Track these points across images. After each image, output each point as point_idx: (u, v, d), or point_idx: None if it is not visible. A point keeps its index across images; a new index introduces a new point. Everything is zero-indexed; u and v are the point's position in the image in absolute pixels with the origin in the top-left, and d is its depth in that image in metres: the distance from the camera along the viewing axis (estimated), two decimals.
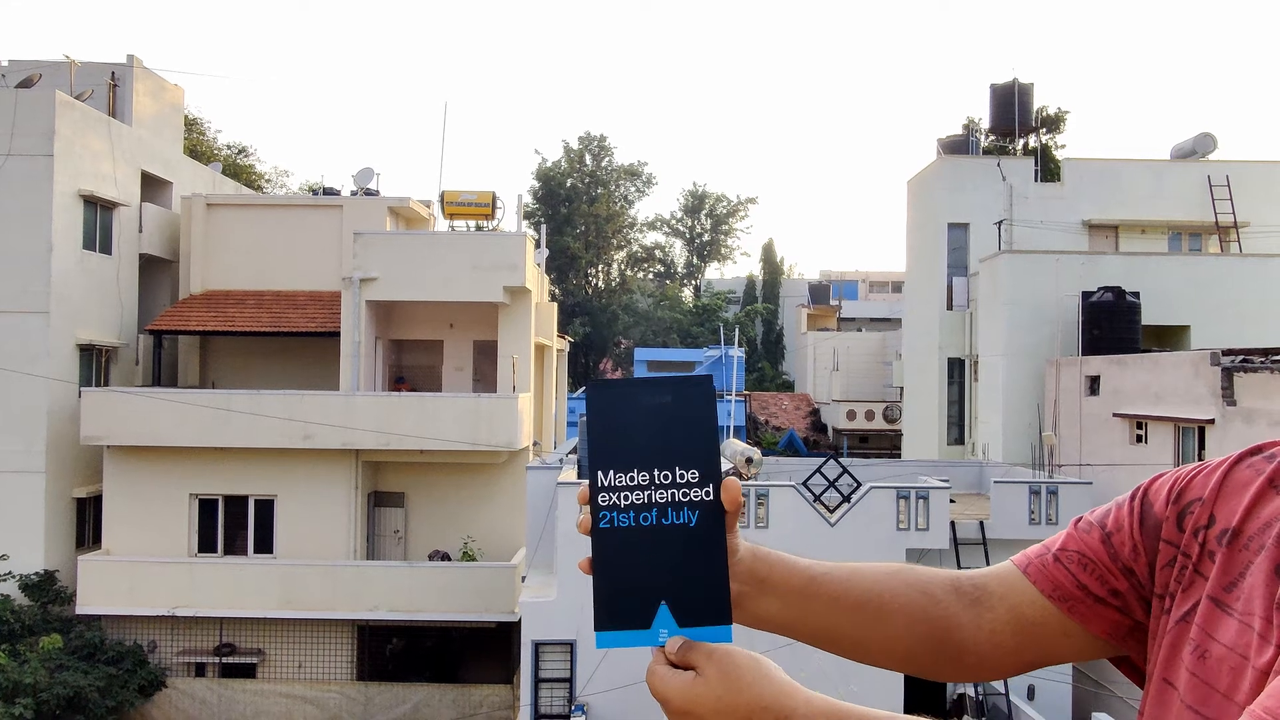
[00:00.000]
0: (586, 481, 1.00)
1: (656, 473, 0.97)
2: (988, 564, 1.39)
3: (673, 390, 0.99)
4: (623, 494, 0.97)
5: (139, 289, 24.27)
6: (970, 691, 16.32)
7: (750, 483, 16.44)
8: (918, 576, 1.17)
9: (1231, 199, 26.42)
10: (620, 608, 0.95)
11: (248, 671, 21.25)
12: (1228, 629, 0.94)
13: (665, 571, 0.96)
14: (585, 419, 1.01)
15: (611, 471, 0.97)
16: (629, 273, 64.29)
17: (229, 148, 44.95)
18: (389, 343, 23.72)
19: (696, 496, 0.97)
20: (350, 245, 22.26)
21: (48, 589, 20.72)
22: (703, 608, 0.96)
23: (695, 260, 66.45)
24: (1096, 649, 1.13)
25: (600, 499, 0.97)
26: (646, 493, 0.97)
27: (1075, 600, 1.11)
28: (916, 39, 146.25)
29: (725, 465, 1.07)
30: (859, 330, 54.00)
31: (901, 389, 34.54)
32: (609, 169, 60.80)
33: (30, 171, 20.93)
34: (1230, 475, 1.06)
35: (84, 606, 20.55)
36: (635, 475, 0.97)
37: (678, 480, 0.97)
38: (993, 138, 33.49)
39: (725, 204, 65.38)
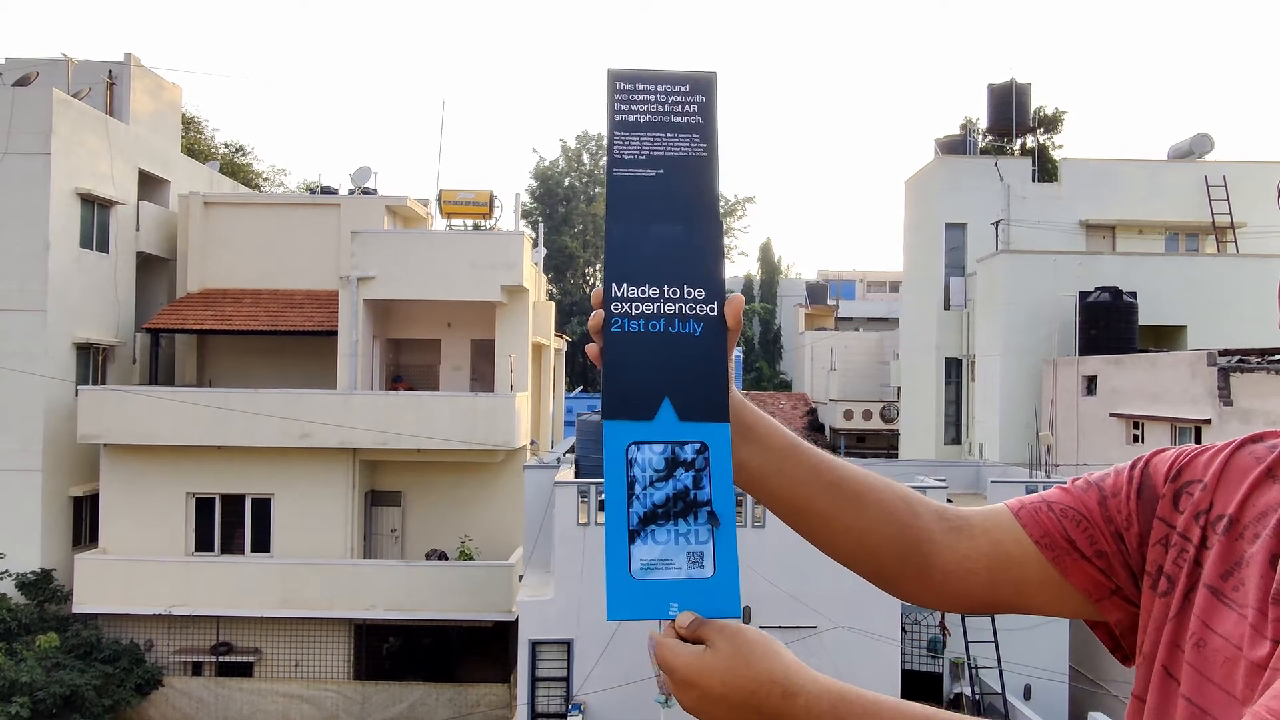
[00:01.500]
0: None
1: (666, 288, 1.04)
2: None
3: (684, 219, 1.07)
4: (634, 304, 1.03)
5: (136, 287, 24.25)
6: (967, 691, 16.34)
7: None
8: (904, 488, 1.17)
9: (1228, 199, 26.46)
10: (626, 400, 1.01)
11: (245, 670, 21.23)
12: (1224, 619, 0.94)
13: (669, 371, 1.02)
14: (606, 221, 1.08)
15: (625, 284, 1.04)
16: None
17: (226, 146, 44.92)
18: (386, 342, 23.72)
19: (702, 311, 1.04)
20: (348, 244, 22.26)
21: (44, 587, 20.71)
22: (702, 405, 1.02)
23: None
24: (1072, 604, 1.12)
25: (613, 307, 1.03)
26: (656, 305, 1.04)
27: (1061, 550, 1.10)
28: (914, 39, 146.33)
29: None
30: (856, 330, 54.04)
31: (899, 389, 34.57)
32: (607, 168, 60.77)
33: (27, 170, 20.91)
34: (1232, 461, 1.05)
35: (81, 605, 20.53)
36: (646, 289, 1.04)
37: (685, 297, 1.04)
38: (990, 138, 33.51)
39: (723, 203, 64.98)
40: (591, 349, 1.04)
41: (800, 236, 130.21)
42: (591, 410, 29.54)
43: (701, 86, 1.11)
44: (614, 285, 1.04)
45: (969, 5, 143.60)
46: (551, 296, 39.40)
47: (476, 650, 21.63)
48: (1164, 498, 1.07)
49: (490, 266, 21.85)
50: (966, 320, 27.19)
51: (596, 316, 1.03)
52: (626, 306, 1.03)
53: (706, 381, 1.03)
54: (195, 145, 39.56)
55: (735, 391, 1.08)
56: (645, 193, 1.08)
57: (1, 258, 20.87)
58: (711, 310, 1.04)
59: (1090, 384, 21.14)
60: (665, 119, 1.10)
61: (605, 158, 1.13)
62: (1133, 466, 1.12)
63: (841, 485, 1.13)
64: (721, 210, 1.14)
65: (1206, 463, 1.07)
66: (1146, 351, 21.50)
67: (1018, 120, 30.44)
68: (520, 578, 18.20)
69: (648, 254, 1.05)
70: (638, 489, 0.99)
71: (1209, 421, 17.03)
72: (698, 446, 1.01)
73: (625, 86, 1.11)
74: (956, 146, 30.40)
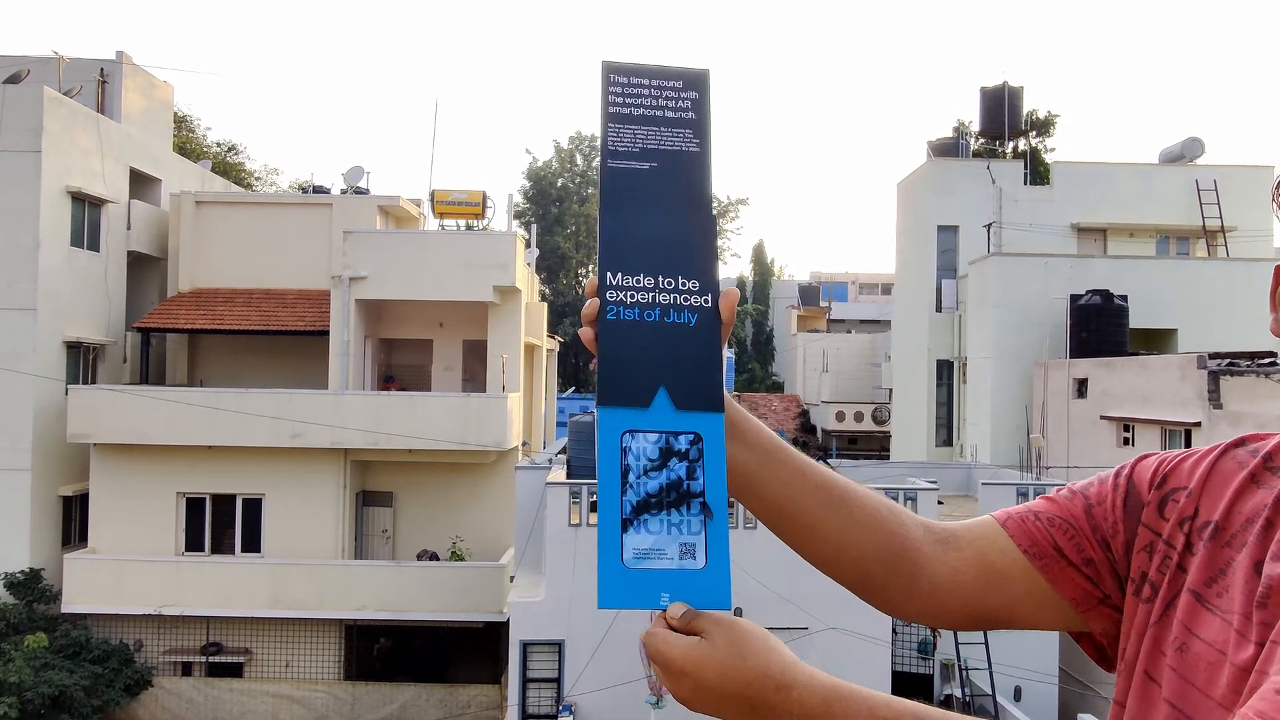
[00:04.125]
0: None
1: (661, 279, 1.04)
2: None
3: (677, 212, 1.07)
4: (629, 293, 1.03)
5: (127, 286, 24.17)
6: (957, 693, 16.37)
7: None
8: (890, 501, 1.16)
9: (1219, 203, 26.57)
10: (622, 387, 1.00)
11: (235, 671, 21.17)
12: (1209, 625, 0.95)
13: (665, 360, 1.02)
14: (600, 210, 1.08)
15: (620, 273, 1.03)
16: None
17: (218, 145, 44.80)
18: (378, 342, 23.68)
19: (696, 302, 1.04)
20: (340, 244, 22.21)
21: (33, 587, 20.61)
22: (698, 395, 1.01)
23: None
24: (1060, 615, 1.12)
25: (608, 295, 1.03)
26: (651, 294, 1.03)
27: (1049, 559, 1.10)
28: (907, 42, 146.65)
29: None
30: (848, 332, 54.08)
31: (890, 390, 34.62)
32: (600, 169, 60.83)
33: (18, 168, 20.83)
34: (1216, 467, 1.06)
35: (70, 605, 20.44)
36: (641, 279, 1.03)
37: (680, 288, 1.04)
38: (982, 140, 33.58)
39: (716, 205, 65.19)
40: (585, 333, 1.03)
41: (793, 238, 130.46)
42: (584, 411, 29.54)
43: (694, 83, 1.11)
44: (608, 274, 1.03)
45: (962, 8, 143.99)
46: (544, 297, 39.38)
47: (467, 651, 21.60)
48: (1149, 504, 1.08)
49: (483, 267, 21.82)
50: (958, 323, 27.25)
51: (591, 305, 1.02)
52: (621, 295, 1.03)
53: (701, 371, 1.02)
54: (187, 144, 39.42)
55: (724, 391, 1.07)
56: (638, 184, 1.08)
57: None
58: (706, 302, 1.04)
59: (1081, 386, 21.20)
60: (658, 113, 1.10)
61: (599, 154, 1.13)
62: (1117, 474, 1.13)
63: (828, 489, 1.12)
64: (714, 211, 1.13)
65: (1190, 469, 1.07)
66: (1137, 354, 21.56)
67: (1010, 123, 30.51)
68: (511, 578, 18.18)
69: (641, 244, 1.05)
70: (631, 478, 0.99)
71: (1199, 424, 17.09)
72: (692, 437, 1.00)
73: (619, 79, 1.10)
74: (949, 149, 30.47)
